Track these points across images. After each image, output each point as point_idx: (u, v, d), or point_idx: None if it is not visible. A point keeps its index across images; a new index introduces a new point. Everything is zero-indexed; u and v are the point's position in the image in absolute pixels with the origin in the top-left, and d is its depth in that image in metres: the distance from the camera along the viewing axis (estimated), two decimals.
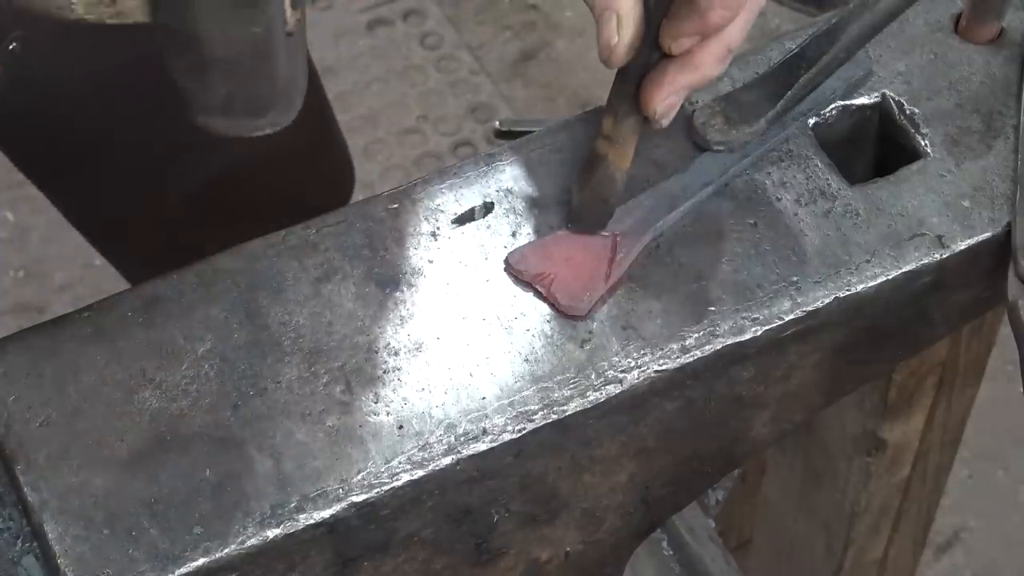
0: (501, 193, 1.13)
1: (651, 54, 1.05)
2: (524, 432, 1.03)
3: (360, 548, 1.02)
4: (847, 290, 1.09)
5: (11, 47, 1.21)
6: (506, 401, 1.04)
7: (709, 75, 1.06)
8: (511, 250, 1.10)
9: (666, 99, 1.06)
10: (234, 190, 1.40)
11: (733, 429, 1.14)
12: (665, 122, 1.08)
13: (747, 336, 1.07)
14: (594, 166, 1.09)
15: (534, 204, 1.12)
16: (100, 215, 1.45)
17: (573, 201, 1.11)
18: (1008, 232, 1.12)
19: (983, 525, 2.31)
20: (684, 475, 1.14)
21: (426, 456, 1.01)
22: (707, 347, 1.07)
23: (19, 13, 1.18)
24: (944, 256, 1.11)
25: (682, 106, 1.16)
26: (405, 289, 1.08)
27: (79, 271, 2.50)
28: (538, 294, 1.08)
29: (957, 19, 1.22)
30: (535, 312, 1.07)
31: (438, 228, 1.11)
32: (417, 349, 1.06)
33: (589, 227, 1.10)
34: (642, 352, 1.06)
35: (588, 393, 1.04)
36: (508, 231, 1.11)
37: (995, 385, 1.83)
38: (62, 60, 1.26)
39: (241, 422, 1.02)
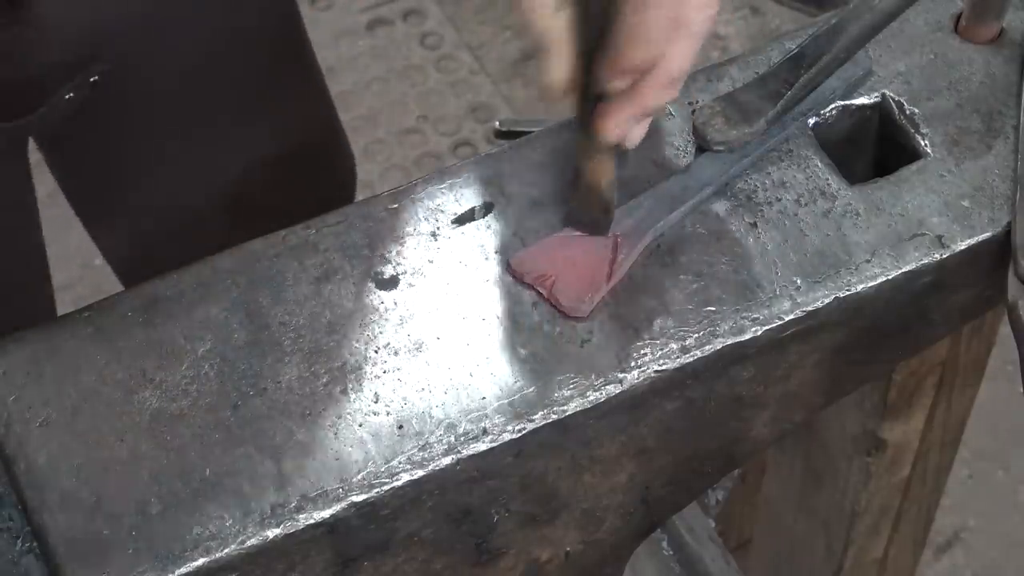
0: (501, 193, 1.13)
1: (592, 88, 1.05)
2: (524, 432, 1.03)
3: (360, 548, 1.02)
4: (847, 290, 1.09)
5: (92, 79, 1.22)
6: (506, 401, 1.04)
7: (654, 104, 1.06)
8: (512, 252, 1.10)
9: (615, 129, 1.07)
10: (239, 192, 1.41)
11: (733, 429, 1.14)
12: (630, 144, 1.09)
13: (747, 336, 1.07)
14: (579, 179, 1.10)
15: (534, 204, 1.12)
16: (134, 235, 1.46)
17: (569, 208, 1.11)
18: (1008, 232, 1.12)
19: (983, 525, 2.31)
20: (684, 475, 1.14)
21: (426, 456, 1.01)
22: (707, 347, 1.07)
23: (103, 43, 1.20)
24: (944, 256, 1.11)
25: (682, 106, 1.16)
26: (405, 289, 1.08)
27: (79, 271, 2.50)
28: (539, 295, 1.08)
29: (957, 19, 1.22)
30: (535, 312, 1.07)
31: (438, 228, 1.11)
32: (417, 349, 1.06)
33: (588, 231, 1.10)
34: (642, 352, 1.06)
35: (588, 393, 1.04)
36: (508, 231, 1.11)
37: (995, 385, 1.83)
38: (139, 88, 1.27)
39: (241, 422, 1.02)
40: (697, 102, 1.16)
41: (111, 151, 1.35)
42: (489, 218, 1.12)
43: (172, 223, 1.42)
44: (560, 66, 1.03)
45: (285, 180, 1.43)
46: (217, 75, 1.34)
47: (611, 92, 1.05)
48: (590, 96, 1.06)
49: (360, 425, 1.03)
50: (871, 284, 1.10)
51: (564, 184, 1.12)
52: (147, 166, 1.38)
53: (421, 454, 1.01)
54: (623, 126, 1.07)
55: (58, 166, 1.40)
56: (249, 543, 0.98)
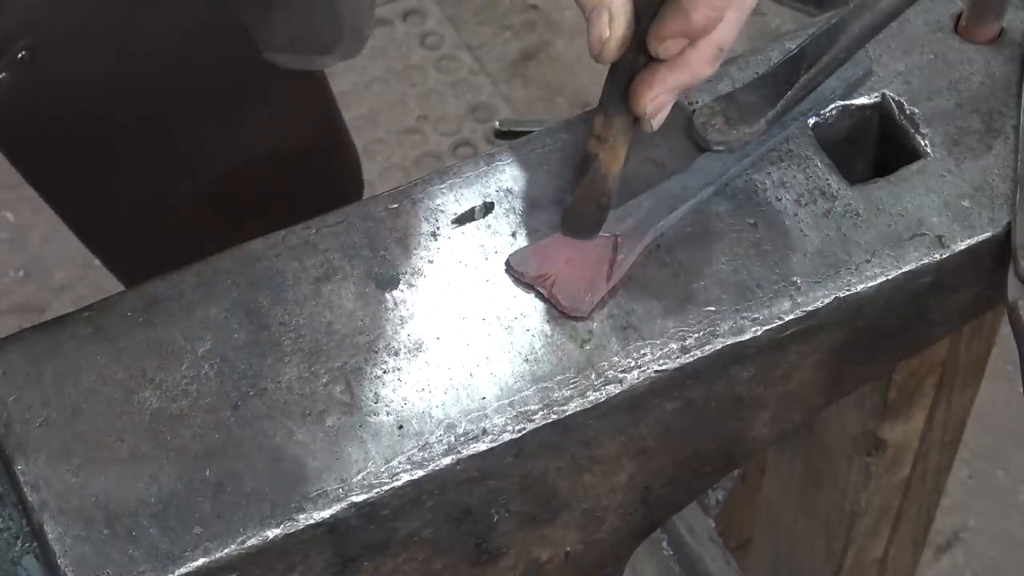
0: (501, 193, 1.13)
1: (639, 54, 1.05)
2: (524, 432, 1.03)
3: (360, 548, 1.02)
4: (847, 290, 1.09)
5: (20, 55, 1.21)
6: (506, 401, 1.04)
7: (699, 75, 1.05)
8: (512, 251, 1.10)
9: (655, 98, 1.05)
10: (242, 190, 1.40)
11: (733, 429, 1.14)
12: (656, 123, 1.07)
13: (747, 336, 1.07)
14: (586, 166, 1.09)
15: (534, 204, 1.12)
16: (103, 221, 1.45)
17: (566, 203, 1.10)
18: (1008, 232, 1.12)
19: (983, 525, 2.31)
20: (684, 475, 1.14)
21: (426, 456, 1.01)
22: (707, 347, 1.07)
23: (27, 20, 1.18)
24: (944, 256, 1.11)
25: (682, 106, 1.16)
26: (405, 289, 1.08)
27: (79, 271, 2.50)
28: (539, 295, 1.08)
29: (957, 19, 1.22)
30: (535, 312, 1.07)
31: (438, 228, 1.11)
32: (417, 349, 1.06)
33: (582, 231, 1.09)
34: (642, 352, 1.06)
35: (588, 393, 1.04)
36: (508, 231, 1.11)
37: (995, 385, 1.83)
38: (71, 67, 1.26)
39: (241, 422, 1.02)
40: (697, 102, 1.16)
41: (55, 129, 1.32)
42: (489, 218, 1.12)
43: (153, 211, 1.41)
44: (620, 23, 1.01)
45: (286, 179, 1.43)
46: (192, 63, 1.32)
47: (663, 55, 1.03)
48: (630, 64, 1.04)
49: (360, 425, 1.03)
50: (871, 284, 1.10)
51: (566, 178, 1.11)
52: (104, 148, 1.35)
53: (421, 454, 1.01)
54: (663, 98, 1.05)
55: (14, 161, 1.39)
56: (249, 543, 0.98)
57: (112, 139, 1.35)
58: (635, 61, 1.05)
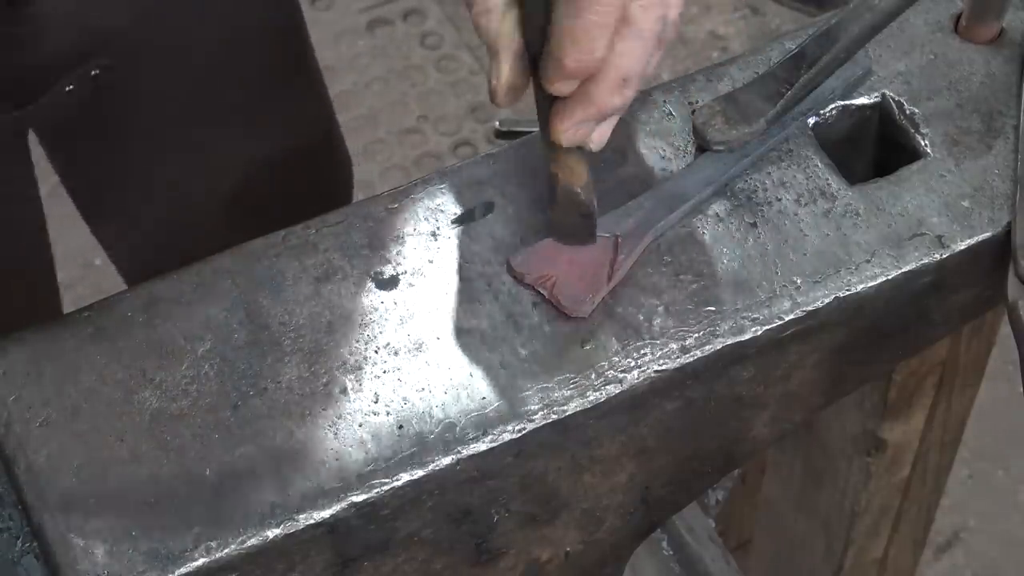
0: (501, 193, 1.13)
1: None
2: (524, 432, 1.03)
3: (360, 548, 1.02)
4: (847, 290, 1.09)
5: (93, 73, 1.22)
6: (506, 401, 1.04)
7: (606, 107, 1.03)
8: (512, 252, 1.10)
9: (568, 131, 1.04)
10: (239, 191, 1.41)
11: (733, 429, 1.14)
12: (595, 147, 1.06)
13: (747, 336, 1.07)
14: (553, 187, 1.09)
15: (534, 204, 1.12)
16: (132, 233, 1.46)
17: (550, 218, 1.10)
18: (1008, 232, 1.12)
19: (983, 525, 2.31)
20: (684, 475, 1.14)
21: (426, 456, 1.01)
22: (707, 347, 1.07)
23: (104, 37, 1.20)
24: (944, 256, 1.11)
25: (682, 106, 1.16)
26: (405, 289, 1.08)
27: (79, 271, 2.50)
28: (540, 295, 1.08)
29: (957, 19, 1.22)
30: (535, 312, 1.07)
31: (438, 228, 1.11)
32: (417, 349, 1.06)
33: (576, 241, 1.09)
34: (642, 352, 1.06)
35: (588, 393, 1.04)
36: (508, 231, 1.11)
37: (995, 385, 1.83)
38: (134, 85, 1.27)
39: (241, 422, 1.02)
40: (697, 102, 1.16)
41: (112, 148, 1.35)
42: (489, 218, 1.12)
43: (173, 222, 1.42)
44: (504, 70, 1.01)
45: (284, 180, 1.43)
46: (219, 74, 1.34)
47: (557, 94, 1.02)
48: (542, 99, 1.04)
49: (360, 425, 1.03)
50: (871, 284, 1.10)
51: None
52: (148, 164, 1.38)
53: (421, 454, 1.01)
54: (578, 129, 1.04)
55: (59, 161, 1.41)
56: (249, 543, 0.98)
57: (155, 155, 1.36)
58: (546, 95, 1.04)
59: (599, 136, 1.05)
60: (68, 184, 1.43)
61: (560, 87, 1.02)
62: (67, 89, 1.22)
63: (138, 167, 1.38)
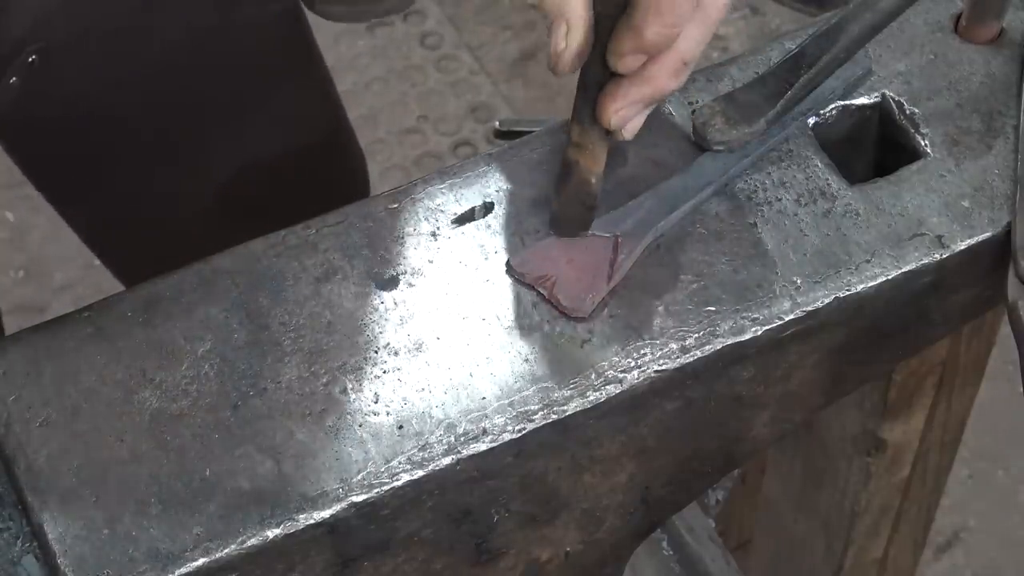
0: (501, 193, 1.13)
1: (605, 67, 1.04)
2: (524, 432, 1.03)
3: (360, 548, 1.02)
4: (847, 290, 1.09)
5: (30, 60, 1.21)
6: (506, 401, 1.04)
7: (664, 89, 1.04)
8: (512, 252, 1.10)
9: (619, 112, 1.04)
10: (247, 193, 1.41)
11: (733, 429, 1.14)
12: (628, 135, 1.07)
13: (747, 336, 1.07)
14: (568, 173, 1.09)
15: (534, 204, 1.12)
16: (109, 225, 1.45)
17: (552, 208, 1.11)
18: (1008, 232, 1.12)
19: (983, 525, 2.31)
20: (684, 475, 1.14)
21: (426, 456, 1.01)
22: (707, 347, 1.07)
23: (37, 25, 1.19)
24: (944, 256, 1.11)
25: (682, 106, 1.16)
26: (405, 289, 1.08)
27: (79, 271, 2.50)
28: (540, 295, 1.08)
29: (957, 19, 1.22)
30: (535, 312, 1.07)
31: (438, 228, 1.11)
32: (417, 349, 1.06)
33: (571, 232, 1.10)
34: (642, 352, 1.06)
35: (588, 393, 1.04)
36: (508, 231, 1.11)
37: (995, 385, 1.83)
38: (80, 71, 1.26)
39: (241, 422, 1.02)
40: (697, 102, 1.16)
41: (63, 134, 1.33)
42: (489, 218, 1.12)
43: (163, 217, 1.41)
44: (576, 36, 1.00)
45: (291, 178, 1.43)
46: (200, 66, 1.32)
47: (622, 70, 1.02)
48: (597, 76, 1.04)
49: (360, 425, 1.03)
50: (871, 284, 1.10)
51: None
52: (113, 154, 1.36)
53: (421, 454, 1.01)
54: (628, 111, 1.04)
55: (14, 151, 1.39)
56: (249, 543, 0.98)
57: (119, 143, 1.35)
58: (602, 74, 1.04)
59: (637, 124, 1.06)
60: (27, 173, 1.41)
61: (629, 61, 1.01)
62: (11, 81, 1.20)
63: (100, 157, 1.36)
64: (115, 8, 1.25)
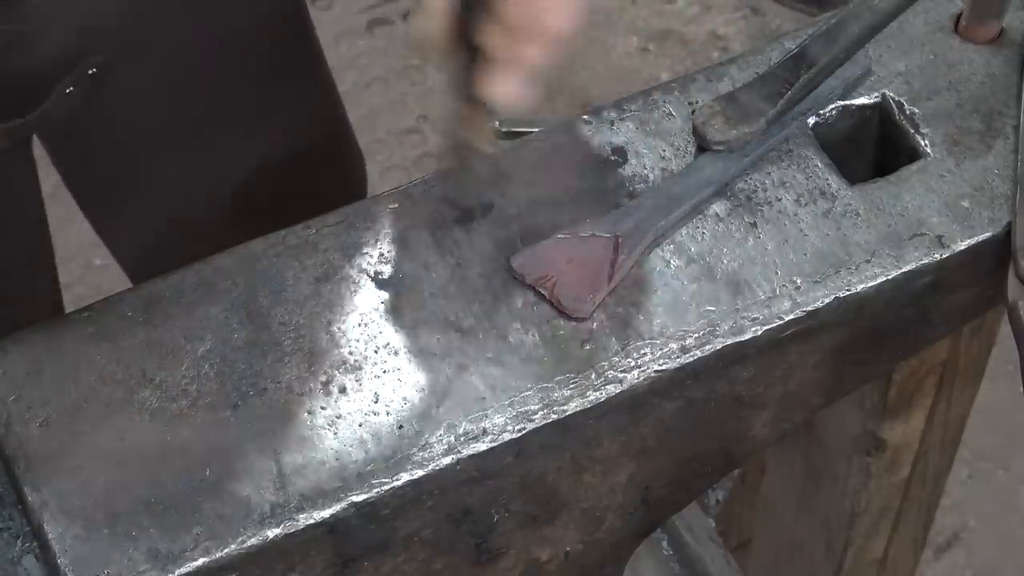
0: (501, 193, 1.13)
1: (473, 45, 1.02)
2: (524, 432, 1.03)
3: (360, 548, 1.02)
4: (847, 290, 1.09)
5: (90, 71, 1.22)
6: (506, 401, 1.04)
7: (535, 65, 1.02)
8: (512, 252, 1.10)
9: (496, 88, 1.02)
10: (248, 189, 1.41)
11: (733, 429, 1.14)
12: (507, 105, 1.03)
13: (747, 336, 1.07)
14: (451, 142, 1.07)
15: (534, 204, 1.12)
16: (138, 234, 1.46)
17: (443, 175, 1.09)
18: (1008, 232, 1.12)
19: (983, 525, 2.31)
20: (684, 475, 1.14)
21: (426, 456, 1.01)
22: (707, 347, 1.07)
23: (100, 37, 1.20)
24: (944, 256, 1.11)
25: (682, 106, 1.16)
26: (405, 289, 1.08)
27: (79, 271, 2.50)
28: (540, 295, 1.08)
29: (957, 19, 1.22)
30: (535, 312, 1.07)
31: (438, 228, 1.11)
32: (417, 349, 1.06)
33: (460, 196, 1.09)
34: (642, 352, 1.06)
35: (588, 393, 1.04)
36: (508, 231, 1.11)
37: (995, 385, 1.83)
38: (133, 83, 1.27)
39: (241, 422, 1.02)
40: (697, 102, 1.16)
41: (115, 146, 1.35)
42: (489, 218, 1.12)
43: (181, 220, 1.42)
44: (434, 21, 1.00)
45: (295, 177, 1.43)
46: (222, 71, 1.33)
47: (490, 51, 1.01)
48: (469, 54, 1.03)
49: (360, 425, 1.03)
50: (871, 284, 1.10)
51: (566, 178, 1.11)
52: (153, 162, 1.38)
53: (421, 454, 1.01)
54: (504, 86, 1.02)
55: (63, 162, 1.41)
56: (249, 543, 0.98)
57: (159, 152, 1.36)
58: (475, 54, 1.02)
59: (519, 94, 1.03)
60: (71, 184, 1.43)
61: (495, 41, 1.00)
62: (67, 91, 1.22)
63: (142, 165, 1.38)
64: (167, 19, 1.26)
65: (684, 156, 1.14)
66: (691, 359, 1.06)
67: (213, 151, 1.38)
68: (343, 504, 1.00)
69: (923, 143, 1.16)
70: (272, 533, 0.99)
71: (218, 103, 1.36)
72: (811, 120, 1.17)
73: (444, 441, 1.02)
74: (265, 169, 1.41)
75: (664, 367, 1.06)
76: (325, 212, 1.12)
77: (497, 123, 1.32)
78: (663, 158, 1.15)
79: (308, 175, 1.45)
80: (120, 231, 1.48)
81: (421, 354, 1.05)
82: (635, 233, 1.10)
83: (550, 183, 1.13)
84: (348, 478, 1.00)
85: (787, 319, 1.08)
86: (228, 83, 1.35)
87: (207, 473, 1.00)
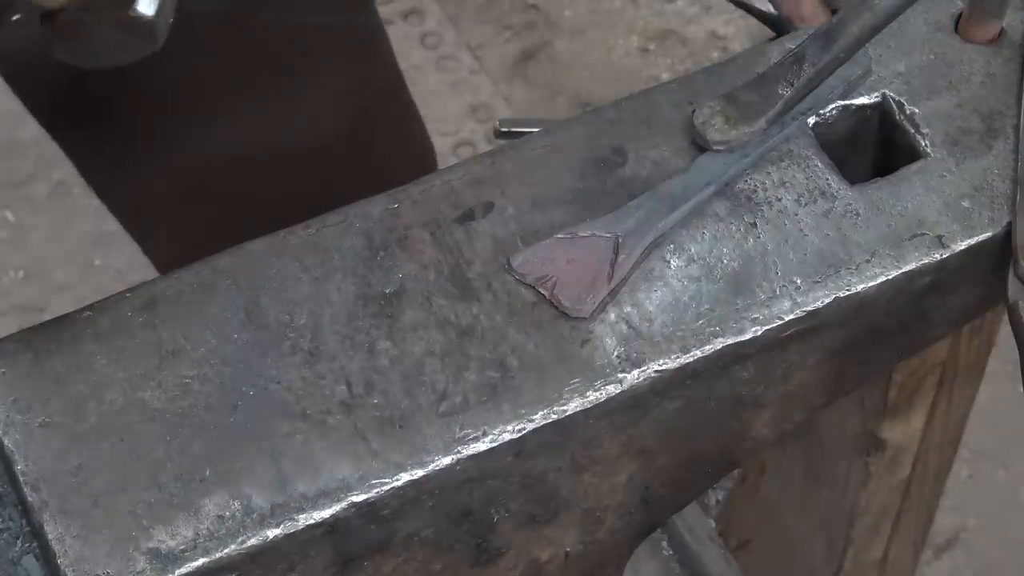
0: (501, 193, 1.13)
1: None
2: (524, 432, 1.03)
3: (360, 548, 1.02)
4: (847, 290, 1.09)
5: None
6: (506, 401, 1.03)
7: None
8: (512, 252, 1.10)
9: None
10: (317, 167, 1.40)
11: (733, 429, 1.14)
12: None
13: (747, 336, 1.07)
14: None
15: (534, 204, 1.12)
16: (155, 197, 1.44)
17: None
18: (1008, 232, 1.12)
19: (983, 525, 2.31)
20: (684, 475, 1.14)
21: (426, 456, 1.01)
22: (707, 347, 1.07)
23: None
24: (944, 256, 1.11)
25: (682, 106, 1.16)
26: (405, 289, 1.08)
27: (79, 271, 2.50)
28: (540, 295, 1.08)
29: (957, 19, 1.22)
30: (535, 312, 1.07)
31: (438, 228, 1.11)
32: (417, 349, 1.06)
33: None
34: (642, 352, 1.06)
35: (588, 393, 1.04)
36: (508, 231, 1.11)
37: (995, 385, 1.83)
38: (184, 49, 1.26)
39: (241, 422, 1.02)
40: (697, 102, 1.16)
41: (177, 100, 1.33)
42: (489, 218, 1.12)
43: (231, 194, 1.40)
44: None
45: (359, 146, 1.42)
46: (280, 32, 1.32)
47: None
48: None
49: (360, 425, 1.03)
50: (871, 284, 1.10)
51: (567, 178, 1.11)
52: (173, 128, 1.36)
53: (421, 454, 1.01)
54: None
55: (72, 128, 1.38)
56: (249, 543, 0.98)
57: (172, 107, 1.35)
58: None
59: None
60: (83, 170, 1.40)
61: None
62: (13, 19, 1.19)
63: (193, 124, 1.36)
64: None
65: (684, 156, 1.14)
66: (691, 359, 1.06)
67: (257, 113, 1.37)
68: (343, 504, 1.00)
69: (923, 143, 1.16)
70: (272, 533, 0.99)
71: (274, 67, 1.34)
72: (811, 120, 1.17)
73: (444, 441, 1.02)
74: (325, 141, 1.39)
75: (664, 367, 1.06)
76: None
77: (497, 123, 1.32)
78: (663, 158, 1.14)
79: (362, 152, 1.43)
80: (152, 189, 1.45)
81: (421, 354, 1.05)
82: (635, 233, 1.10)
83: (550, 183, 1.13)
84: (348, 478, 1.00)
85: (787, 319, 1.08)
86: (286, 47, 1.33)
87: (207, 473, 1.00)
